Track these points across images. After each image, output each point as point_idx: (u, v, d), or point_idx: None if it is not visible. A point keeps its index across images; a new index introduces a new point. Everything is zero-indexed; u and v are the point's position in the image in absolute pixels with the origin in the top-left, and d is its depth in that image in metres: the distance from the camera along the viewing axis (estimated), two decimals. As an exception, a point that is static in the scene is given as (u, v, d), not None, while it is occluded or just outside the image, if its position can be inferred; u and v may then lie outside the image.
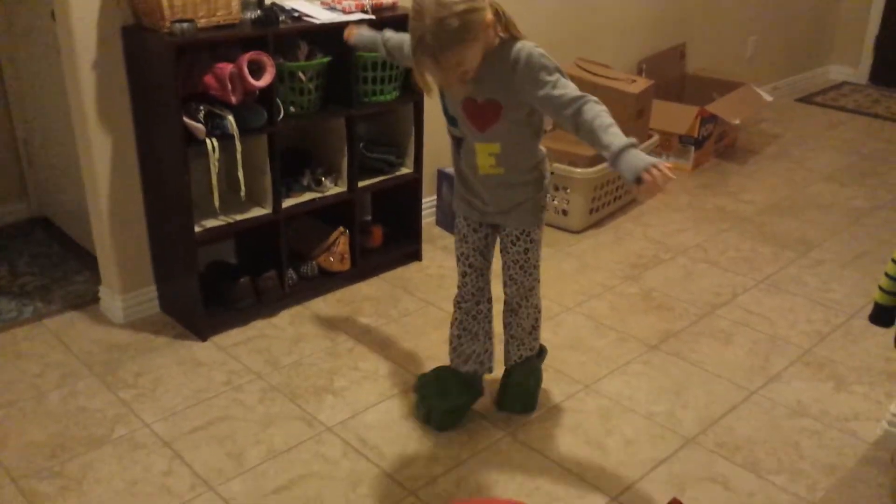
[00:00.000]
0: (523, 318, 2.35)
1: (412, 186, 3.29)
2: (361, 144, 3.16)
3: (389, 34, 2.41)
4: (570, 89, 1.89)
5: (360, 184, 3.08)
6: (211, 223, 2.75)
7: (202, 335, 2.78)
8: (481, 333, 2.36)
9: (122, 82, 2.64)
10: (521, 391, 2.45)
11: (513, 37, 1.95)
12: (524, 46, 1.93)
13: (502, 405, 2.46)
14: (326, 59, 2.83)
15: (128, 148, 2.72)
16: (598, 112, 1.85)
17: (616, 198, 3.86)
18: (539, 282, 2.31)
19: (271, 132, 2.75)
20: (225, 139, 2.61)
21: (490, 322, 2.38)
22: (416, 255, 3.42)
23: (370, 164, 3.19)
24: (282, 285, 2.96)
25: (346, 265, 3.13)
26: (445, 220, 3.66)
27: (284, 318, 2.94)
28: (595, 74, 3.91)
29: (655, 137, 4.07)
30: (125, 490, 2.10)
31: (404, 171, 3.26)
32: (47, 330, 2.82)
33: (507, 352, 2.44)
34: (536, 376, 2.49)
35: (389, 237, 3.38)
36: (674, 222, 3.83)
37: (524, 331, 2.38)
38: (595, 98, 1.88)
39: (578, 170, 3.57)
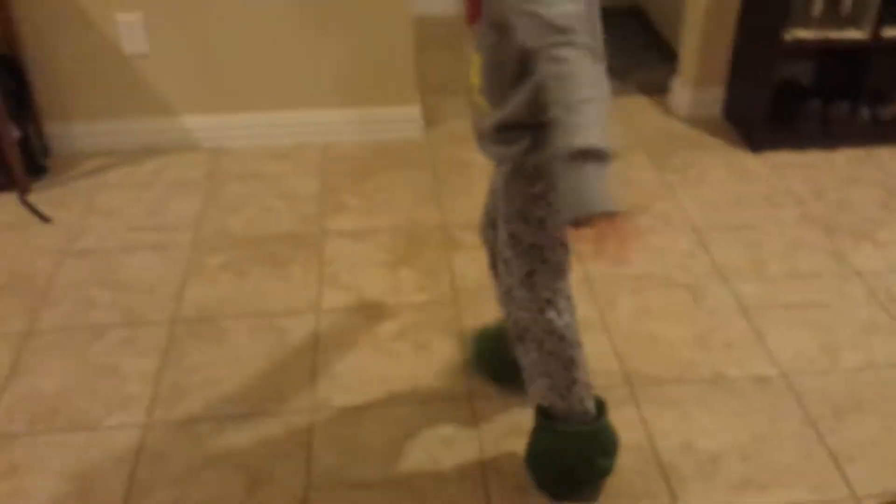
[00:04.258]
0: (524, 346, 1.58)
1: None
2: None
3: None
4: (566, 9, 1.13)
5: None
6: (802, 34, 2.64)
7: (756, 147, 2.78)
8: (501, 272, 1.66)
9: None
10: (530, 452, 1.67)
11: None
12: None
13: None
14: None
15: (743, -57, 2.70)
16: (586, 67, 1.12)
17: None
18: (554, 309, 1.50)
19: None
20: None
21: None
22: None
23: None
24: (852, 120, 2.77)
25: (935, 119, 2.76)
26: None
27: (842, 155, 2.77)
28: None
29: None
30: (649, 259, 2.31)
31: None
32: (619, 106, 3.10)
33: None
34: (544, 447, 1.63)
35: None
36: None
37: (531, 365, 1.59)
38: (592, 46, 1.15)
39: None
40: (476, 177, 2.67)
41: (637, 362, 1.95)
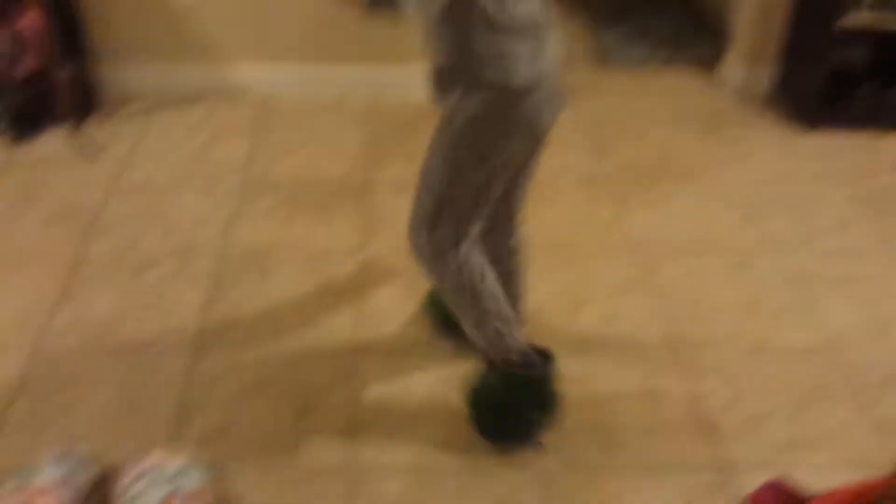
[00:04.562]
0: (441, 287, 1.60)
1: None
2: None
3: None
4: None
5: None
6: (857, 18, 2.60)
7: (806, 126, 2.75)
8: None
9: None
10: (467, 391, 1.68)
11: None
12: None
13: None
14: None
15: (806, -81, 2.66)
16: None
17: None
18: (454, 248, 1.50)
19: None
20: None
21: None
22: None
23: None
24: (905, 106, 2.74)
25: None
26: None
27: (893, 139, 2.74)
28: None
29: None
30: (695, 227, 2.30)
31: None
32: (669, 79, 3.07)
33: None
34: (483, 393, 1.64)
35: None
36: None
37: (451, 307, 1.62)
38: None
39: None
40: (523, 139, 2.67)
41: (682, 325, 1.95)
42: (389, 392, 1.74)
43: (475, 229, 1.52)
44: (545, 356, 1.61)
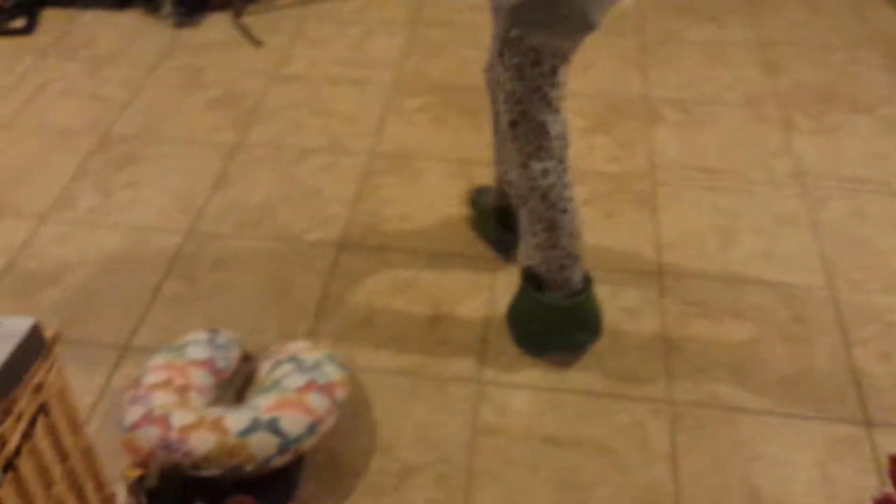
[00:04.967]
0: (519, 201, 1.52)
1: None
2: None
3: None
4: None
5: None
6: None
7: None
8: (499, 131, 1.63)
9: None
10: (510, 311, 1.68)
11: None
12: None
13: None
14: None
15: None
16: None
17: None
18: (536, 167, 1.44)
19: None
20: None
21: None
22: None
23: None
24: None
25: None
26: None
27: None
28: None
29: None
30: (869, 162, 2.12)
31: None
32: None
33: None
34: (523, 309, 1.64)
35: None
36: None
37: (522, 223, 1.55)
38: None
39: None
40: (686, 51, 2.51)
41: (841, 265, 1.83)
42: (526, 306, 1.74)
43: (557, 143, 1.44)
44: (587, 279, 1.59)
